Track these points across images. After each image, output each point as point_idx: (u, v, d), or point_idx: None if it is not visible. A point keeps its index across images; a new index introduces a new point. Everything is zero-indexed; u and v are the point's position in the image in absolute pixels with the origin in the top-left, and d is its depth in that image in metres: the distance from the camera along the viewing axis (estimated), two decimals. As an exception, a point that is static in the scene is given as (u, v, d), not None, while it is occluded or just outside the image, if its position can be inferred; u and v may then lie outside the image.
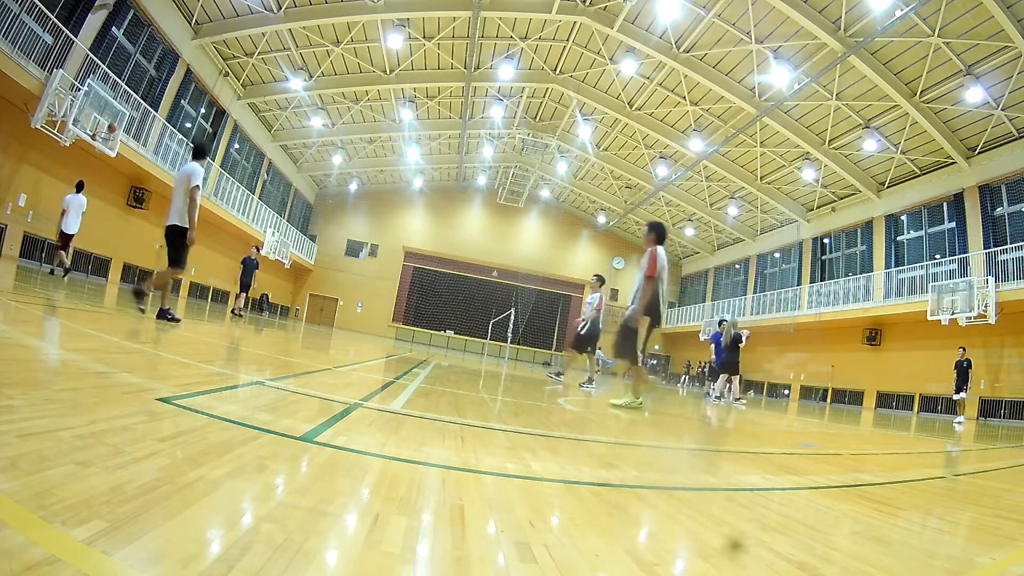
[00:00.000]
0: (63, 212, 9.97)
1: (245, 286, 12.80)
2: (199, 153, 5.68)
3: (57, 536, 0.71)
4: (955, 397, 12.03)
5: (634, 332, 4.91)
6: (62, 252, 10.18)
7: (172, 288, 5.56)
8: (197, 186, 5.34)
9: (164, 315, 5.25)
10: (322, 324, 25.64)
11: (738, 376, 10.56)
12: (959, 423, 10.97)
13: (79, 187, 10.29)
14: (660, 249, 5.04)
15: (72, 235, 10.11)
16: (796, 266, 21.07)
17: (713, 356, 12.11)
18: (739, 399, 10.26)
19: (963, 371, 11.97)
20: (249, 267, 12.86)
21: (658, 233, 5.14)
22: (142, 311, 5.46)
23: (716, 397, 10.51)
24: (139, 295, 5.56)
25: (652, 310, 4.90)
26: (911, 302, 14.93)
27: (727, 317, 11.23)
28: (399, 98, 19.78)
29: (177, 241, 5.34)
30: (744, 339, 10.85)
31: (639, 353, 4.90)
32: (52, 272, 10.23)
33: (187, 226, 5.32)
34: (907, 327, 15.66)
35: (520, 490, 1.47)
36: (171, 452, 1.20)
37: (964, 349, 12.21)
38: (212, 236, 18.37)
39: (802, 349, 19.51)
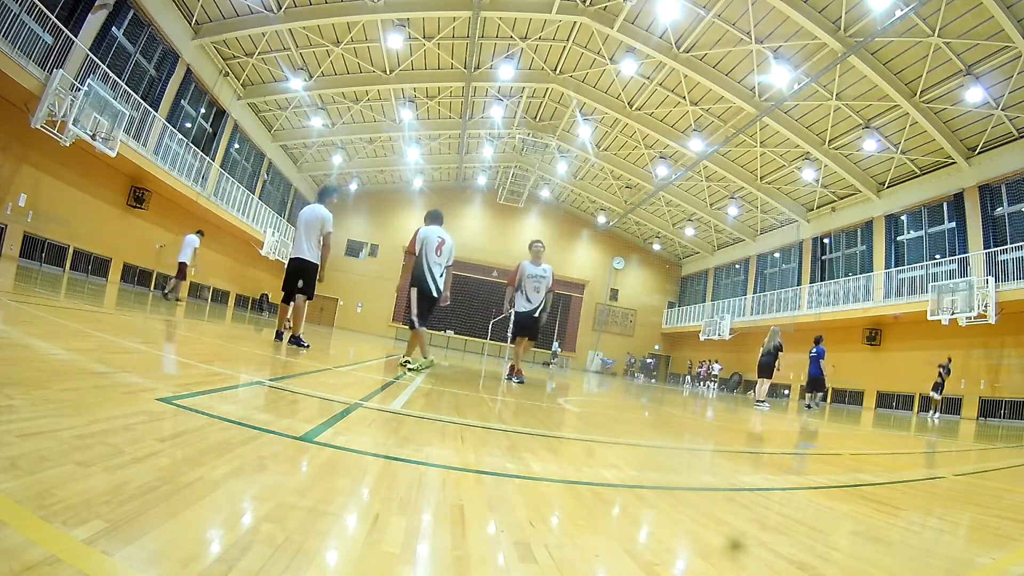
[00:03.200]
0: (183, 249, 11.64)
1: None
2: (326, 196, 6.31)
3: (57, 536, 0.71)
4: (932, 394, 13.19)
5: (416, 300, 5.62)
6: (175, 280, 11.60)
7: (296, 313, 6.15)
8: (330, 232, 6.13)
9: (298, 342, 5.79)
10: (322, 324, 25.64)
11: (770, 379, 10.68)
12: (935, 417, 12.67)
13: (199, 233, 12.09)
14: (422, 229, 5.71)
15: (184, 264, 11.52)
16: (796, 266, 21.07)
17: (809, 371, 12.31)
18: (762, 401, 10.42)
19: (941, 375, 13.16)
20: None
21: (427, 218, 5.95)
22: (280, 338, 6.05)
23: (813, 405, 11.35)
24: (280, 335, 6.03)
25: (417, 281, 5.57)
26: (911, 302, 14.93)
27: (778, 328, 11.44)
28: (399, 98, 19.78)
29: (307, 274, 5.96)
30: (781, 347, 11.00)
31: (412, 319, 5.58)
32: (165, 296, 11.59)
33: (318, 263, 6.02)
34: (907, 327, 15.66)
35: (520, 490, 1.47)
36: (171, 452, 1.20)
37: (950, 359, 13.20)
38: (212, 236, 18.37)
39: (802, 349, 19.46)
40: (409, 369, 5.30)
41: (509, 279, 6.59)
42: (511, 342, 7.14)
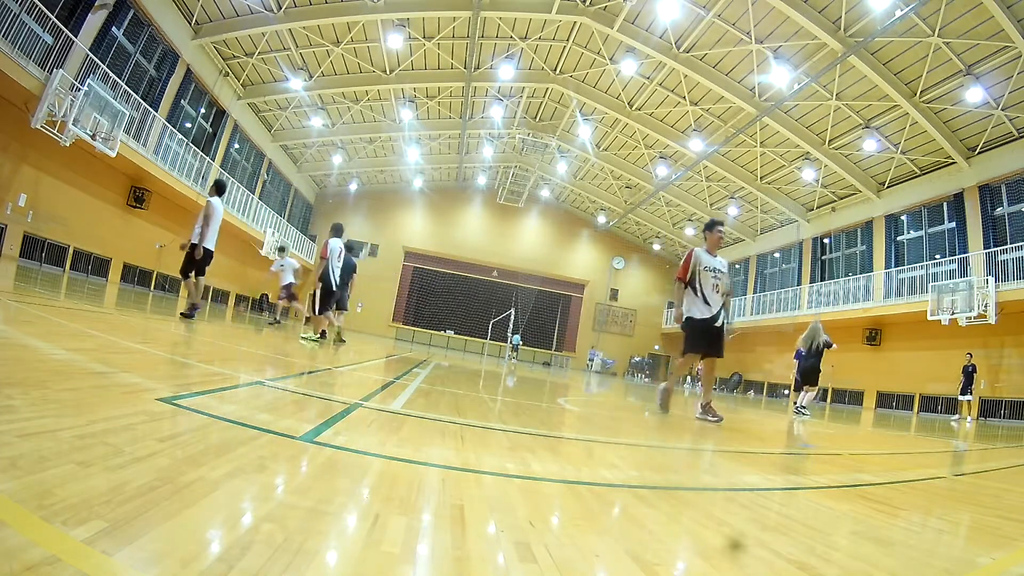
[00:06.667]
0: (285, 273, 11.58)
1: (338, 300, 9.14)
2: (225, 190, 7.18)
3: (57, 536, 0.71)
4: (960, 398, 12.70)
5: (321, 294, 7.58)
6: (282, 304, 11.60)
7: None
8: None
9: (190, 311, 6.63)
10: (322, 324, 25.60)
11: (816, 387, 8.43)
12: (955, 421, 11.84)
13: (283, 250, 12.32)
14: (330, 240, 7.58)
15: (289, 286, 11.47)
16: (796, 266, 21.06)
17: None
18: (802, 408, 8.20)
19: (969, 375, 12.59)
20: (348, 269, 8.58)
21: (332, 230, 7.78)
22: (189, 317, 6.66)
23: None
24: (192, 311, 6.71)
25: (324, 279, 7.44)
26: (911, 302, 14.93)
27: (818, 323, 8.91)
28: (399, 98, 19.77)
29: (209, 260, 6.83)
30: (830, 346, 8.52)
31: (316, 306, 7.59)
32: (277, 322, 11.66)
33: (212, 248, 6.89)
34: (907, 327, 15.65)
35: (520, 490, 1.47)
36: (171, 452, 1.20)
37: (971, 355, 12.78)
38: (212, 236, 18.35)
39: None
40: (302, 337, 7.34)
41: (679, 273, 4.93)
42: (682, 356, 5.12)
